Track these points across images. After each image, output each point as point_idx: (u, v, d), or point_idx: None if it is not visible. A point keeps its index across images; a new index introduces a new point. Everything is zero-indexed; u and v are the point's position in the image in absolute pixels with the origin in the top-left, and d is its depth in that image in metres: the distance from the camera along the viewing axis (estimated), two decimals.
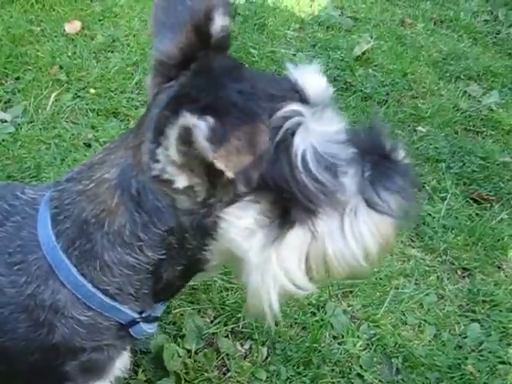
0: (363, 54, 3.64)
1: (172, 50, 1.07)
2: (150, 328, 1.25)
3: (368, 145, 1.04)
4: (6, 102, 2.91)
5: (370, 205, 1.01)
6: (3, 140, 2.68)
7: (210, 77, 0.97)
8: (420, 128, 3.22)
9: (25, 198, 1.18)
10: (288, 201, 0.98)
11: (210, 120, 0.86)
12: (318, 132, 0.98)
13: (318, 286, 1.14)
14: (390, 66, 3.64)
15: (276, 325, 2.08)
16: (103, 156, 1.12)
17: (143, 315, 1.20)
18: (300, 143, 0.95)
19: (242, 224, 1.02)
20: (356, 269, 1.06)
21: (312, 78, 1.07)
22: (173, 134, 0.93)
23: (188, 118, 0.88)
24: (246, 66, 1.33)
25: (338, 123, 1.03)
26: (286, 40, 3.71)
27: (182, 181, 0.99)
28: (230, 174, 0.91)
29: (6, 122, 2.80)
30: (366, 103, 3.28)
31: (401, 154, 1.07)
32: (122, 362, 1.31)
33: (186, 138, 0.90)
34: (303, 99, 1.01)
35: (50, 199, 1.13)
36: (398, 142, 1.08)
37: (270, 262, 1.02)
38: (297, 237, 1.01)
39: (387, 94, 3.40)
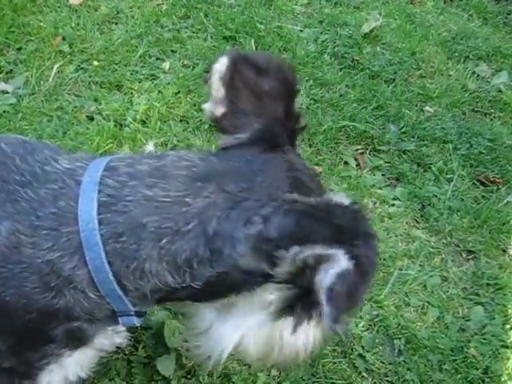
0: (371, 31, 3.57)
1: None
2: (137, 321, 1.30)
3: None
4: (7, 73, 2.86)
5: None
6: (4, 111, 2.64)
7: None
8: (427, 108, 3.17)
9: (60, 167, 1.19)
10: (303, 299, 1.15)
11: (350, 266, 0.95)
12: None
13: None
14: (399, 44, 3.57)
15: None
16: (180, 172, 1.15)
17: (136, 309, 1.25)
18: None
19: (268, 298, 1.18)
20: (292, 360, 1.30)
21: None
22: (313, 252, 0.98)
23: (340, 256, 0.95)
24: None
25: None
26: (293, 15, 3.64)
27: (282, 269, 1.05)
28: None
29: (7, 93, 2.75)
30: (374, 81, 3.23)
31: None
32: (105, 338, 1.35)
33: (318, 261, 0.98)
34: None
35: (103, 183, 1.14)
36: None
37: (252, 328, 1.22)
38: (281, 324, 1.21)
39: (395, 72, 3.34)
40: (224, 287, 1.17)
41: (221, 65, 1.20)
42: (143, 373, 1.85)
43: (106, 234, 1.12)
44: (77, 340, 1.27)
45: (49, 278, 1.14)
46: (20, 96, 2.74)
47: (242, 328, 1.22)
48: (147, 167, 1.17)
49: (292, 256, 1.00)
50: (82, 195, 1.13)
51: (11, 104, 2.68)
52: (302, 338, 1.22)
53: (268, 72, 1.21)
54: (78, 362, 1.34)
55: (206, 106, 1.24)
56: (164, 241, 1.11)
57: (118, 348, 1.86)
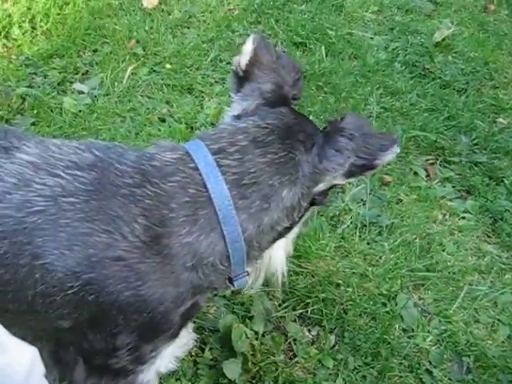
0: (443, 40, 3.51)
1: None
2: (247, 281, 1.42)
3: None
4: (83, 74, 2.95)
5: None
6: (80, 111, 2.72)
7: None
8: (501, 119, 3.09)
9: (167, 159, 1.27)
10: None
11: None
12: None
13: None
14: (471, 53, 3.50)
15: (345, 313, 2.05)
16: (272, 137, 1.33)
17: None
18: None
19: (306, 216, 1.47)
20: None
21: None
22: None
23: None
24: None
25: None
26: (363, 22, 3.61)
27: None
28: None
29: (83, 93, 2.84)
30: (445, 91, 3.17)
31: None
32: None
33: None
34: None
35: (222, 165, 1.26)
36: None
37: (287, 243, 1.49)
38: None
39: (467, 82, 3.27)
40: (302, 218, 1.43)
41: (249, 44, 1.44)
42: (209, 375, 1.86)
43: (240, 208, 1.25)
44: (189, 319, 1.38)
45: (185, 259, 1.22)
46: (95, 96, 2.81)
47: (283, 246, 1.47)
48: (245, 141, 1.30)
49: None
50: (209, 180, 1.24)
51: (86, 104, 2.76)
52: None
53: (281, 57, 1.49)
54: (172, 352, 1.42)
55: (236, 58, 1.45)
56: (285, 191, 1.30)
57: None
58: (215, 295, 1.97)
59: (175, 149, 1.31)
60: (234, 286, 1.37)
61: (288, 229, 1.39)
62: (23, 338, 0.90)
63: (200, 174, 1.24)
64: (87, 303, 1.19)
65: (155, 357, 1.32)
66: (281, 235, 1.38)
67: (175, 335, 1.34)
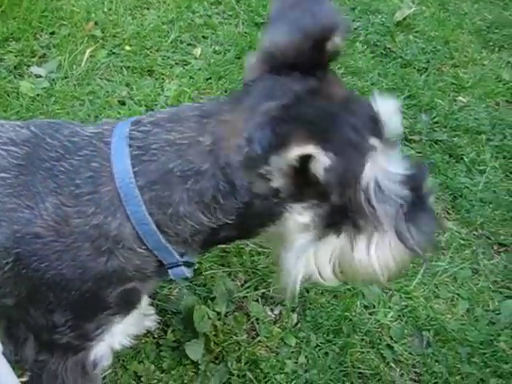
0: (404, 19, 3.53)
1: (288, 48, 1.15)
2: (188, 272, 1.32)
3: (411, 184, 1.17)
4: (40, 57, 2.90)
5: (399, 237, 1.18)
6: (38, 95, 2.67)
7: (332, 107, 1.12)
8: (460, 98, 3.12)
9: (87, 133, 1.23)
10: (343, 213, 1.14)
11: (332, 157, 1.02)
12: (383, 168, 1.11)
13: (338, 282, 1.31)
14: (432, 32, 3.53)
15: (307, 291, 2.07)
16: (192, 113, 1.19)
17: (183, 259, 1.28)
18: (368, 173, 1.09)
19: (301, 220, 1.18)
20: (372, 279, 1.26)
21: (393, 117, 1.16)
22: (291, 155, 1.03)
23: (313, 150, 1.02)
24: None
25: (400, 166, 1.15)
26: None
27: (277, 182, 1.10)
28: (333, 198, 1.10)
29: (40, 76, 2.78)
30: (406, 70, 3.19)
31: (432, 200, 1.26)
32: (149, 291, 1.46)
33: (304, 163, 1.04)
34: (379, 133, 1.13)
35: (131, 137, 1.17)
36: (433, 188, 1.28)
37: (308, 253, 1.21)
38: (338, 242, 1.19)
39: (428, 61, 3.30)
40: (256, 218, 1.21)
41: None
42: (172, 356, 1.87)
43: (141, 185, 1.15)
44: (129, 303, 1.31)
45: (99, 242, 1.17)
46: (53, 80, 2.76)
47: (300, 256, 1.22)
48: (166, 114, 1.22)
49: (276, 166, 1.05)
50: (114, 153, 1.16)
51: (44, 88, 2.71)
52: (371, 253, 1.21)
53: None
54: (124, 329, 1.38)
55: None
56: (189, 183, 1.15)
57: (148, 331, 1.89)
58: (171, 281, 1.96)
59: (106, 124, 1.26)
60: (169, 274, 1.31)
61: (231, 234, 1.26)
62: None
63: (110, 148, 1.18)
64: (22, 279, 1.20)
65: (102, 333, 1.31)
66: (216, 236, 1.24)
67: (119, 314, 1.31)
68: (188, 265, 1.31)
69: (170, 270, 1.29)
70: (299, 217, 1.17)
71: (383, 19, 3.51)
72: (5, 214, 1.16)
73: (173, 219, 1.18)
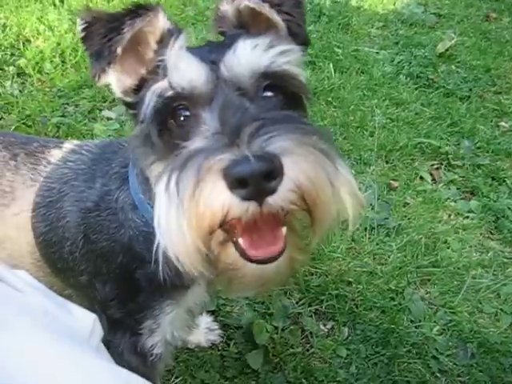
0: (446, 50, 3.71)
1: None
2: None
3: None
4: (111, 102, 3.21)
5: None
6: (109, 135, 2.96)
7: None
8: (503, 123, 3.27)
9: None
10: None
11: None
12: None
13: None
14: (474, 61, 3.69)
15: (356, 307, 2.25)
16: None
17: None
18: None
19: None
20: None
21: None
22: None
23: None
24: None
25: None
26: (369, 38, 3.83)
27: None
28: None
29: (111, 119, 3.09)
30: (449, 99, 3.36)
31: None
32: (195, 296, 1.52)
33: None
34: None
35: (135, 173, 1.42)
36: None
37: None
38: None
39: (470, 89, 3.46)
40: None
41: None
42: (234, 366, 2.07)
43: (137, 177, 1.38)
44: (157, 289, 1.42)
45: (119, 215, 1.41)
46: (122, 122, 3.06)
47: None
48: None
49: None
50: (130, 169, 1.42)
51: (115, 129, 3.01)
52: None
53: None
54: (172, 321, 1.50)
55: None
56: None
57: (213, 344, 2.11)
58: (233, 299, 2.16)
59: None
60: None
61: None
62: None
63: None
64: (89, 254, 1.47)
65: (147, 318, 1.48)
66: None
67: (155, 301, 1.45)
68: None
69: None
70: None
71: (426, 52, 3.70)
72: (78, 196, 1.48)
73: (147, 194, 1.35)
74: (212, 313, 2.18)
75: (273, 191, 0.91)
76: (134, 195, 1.38)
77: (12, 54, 3.47)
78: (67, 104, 3.16)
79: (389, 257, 2.46)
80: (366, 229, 2.55)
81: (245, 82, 1.09)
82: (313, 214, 1.00)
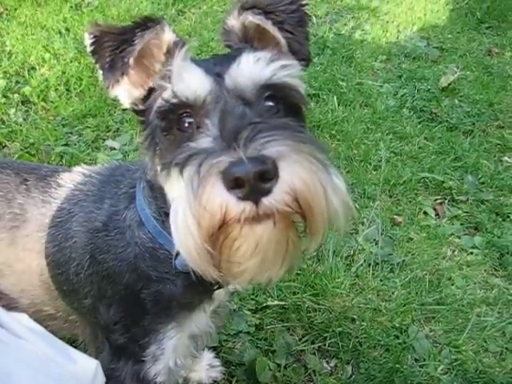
0: (449, 84, 3.73)
1: None
2: None
3: None
4: (114, 132, 3.22)
5: None
6: None
7: None
8: (506, 158, 3.27)
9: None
10: None
11: None
12: None
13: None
14: (476, 96, 3.71)
15: (360, 345, 2.22)
16: None
17: None
18: None
19: None
20: None
21: None
22: None
23: None
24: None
25: None
26: (372, 71, 3.85)
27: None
28: None
29: (114, 149, 3.09)
30: (452, 133, 3.37)
31: None
32: (199, 321, 1.53)
33: None
34: None
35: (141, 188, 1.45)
36: None
37: None
38: None
39: (473, 124, 3.47)
40: None
41: None
42: None
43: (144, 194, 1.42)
44: (164, 311, 1.44)
45: (126, 233, 1.43)
46: (126, 152, 3.07)
47: None
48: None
49: None
50: (137, 189, 1.45)
51: (118, 159, 3.00)
52: None
53: None
54: (175, 347, 1.51)
55: None
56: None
57: (214, 381, 2.08)
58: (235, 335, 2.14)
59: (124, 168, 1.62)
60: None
61: None
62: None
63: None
64: (94, 275, 1.49)
65: (152, 343, 1.47)
66: None
67: (160, 324, 1.45)
68: None
69: (176, 261, 1.35)
70: None
71: (429, 85, 3.72)
72: (83, 216, 1.51)
73: (161, 211, 1.37)
74: (214, 349, 2.15)
75: (268, 192, 0.97)
76: (141, 211, 1.41)
77: (17, 82, 3.50)
78: (71, 133, 3.17)
79: (393, 293, 2.43)
80: (369, 264, 2.53)
81: (247, 93, 1.16)
82: (307, 217, 1.04)
